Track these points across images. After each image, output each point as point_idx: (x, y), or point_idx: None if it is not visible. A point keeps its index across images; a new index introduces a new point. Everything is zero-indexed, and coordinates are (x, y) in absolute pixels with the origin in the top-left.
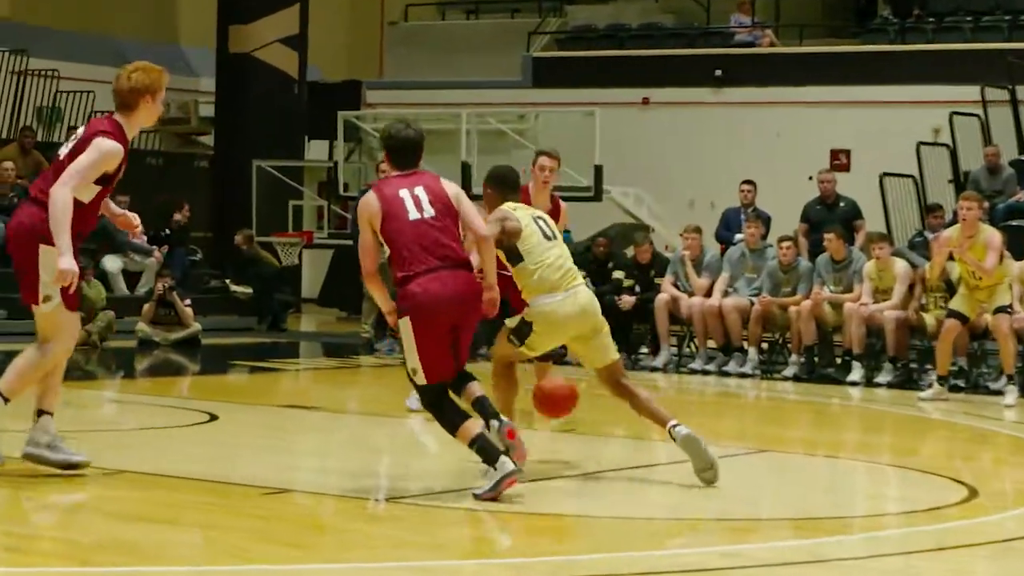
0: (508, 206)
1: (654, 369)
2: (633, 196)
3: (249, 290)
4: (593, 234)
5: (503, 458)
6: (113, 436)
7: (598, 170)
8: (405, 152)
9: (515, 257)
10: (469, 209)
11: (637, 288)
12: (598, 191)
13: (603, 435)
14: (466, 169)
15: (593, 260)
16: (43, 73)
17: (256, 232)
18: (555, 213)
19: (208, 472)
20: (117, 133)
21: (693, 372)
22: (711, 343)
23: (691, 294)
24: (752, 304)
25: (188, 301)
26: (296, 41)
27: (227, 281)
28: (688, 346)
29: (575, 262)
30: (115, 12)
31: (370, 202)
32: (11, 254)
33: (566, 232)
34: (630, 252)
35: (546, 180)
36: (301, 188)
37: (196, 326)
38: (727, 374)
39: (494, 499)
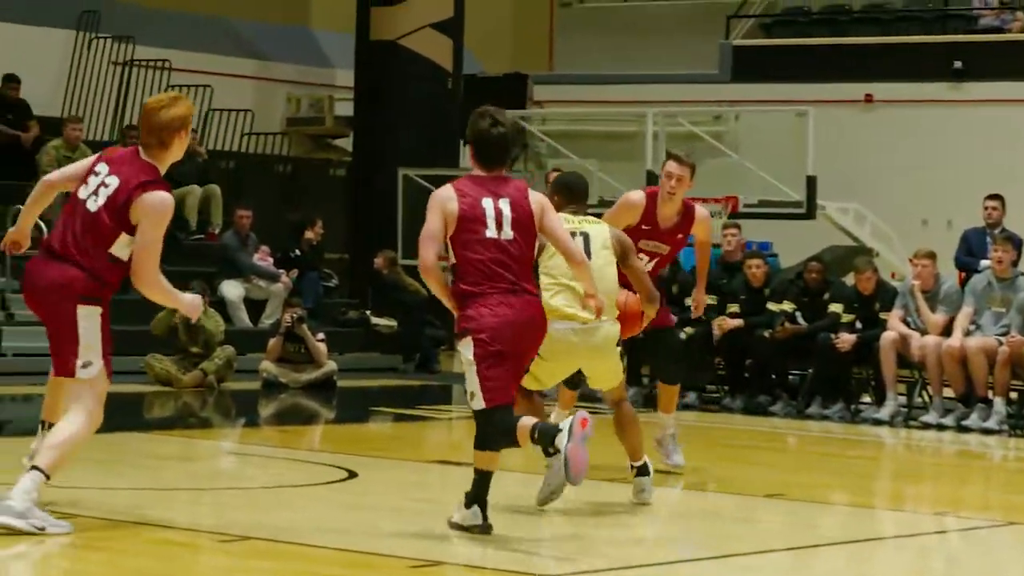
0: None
1: (878, 422)
2: (853, 213)
3: (393, 323)
4: (805, 259)
5: (562, 424)
6: (234, 496)
7: (811, 182)
8: (491, 150)
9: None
10: (556, 227)
11: (858, 324)
12: (811, 207)
13: (818, 501)
14: (652, 179)
15: (804, 290)
16: (151, 63)
17: (401, 254)
18: (685, 226)
19: (347, 540)
20: (160, 180)
21: (926, 427)
22: (948, 391)
23: (924, 332)
24: (1000, 345)
25: (321, 335)
26: (451, 26)
27: (367, 312)
28: (920, 395)
29: (782, 291)
30: None
31: (450, 199)
32: (40, 314)
33: (772, 257)
34: (849, 281)
35: (672, 191)
36: None
37: (331, 365)
38: (968, 429)
39: (581, 445)
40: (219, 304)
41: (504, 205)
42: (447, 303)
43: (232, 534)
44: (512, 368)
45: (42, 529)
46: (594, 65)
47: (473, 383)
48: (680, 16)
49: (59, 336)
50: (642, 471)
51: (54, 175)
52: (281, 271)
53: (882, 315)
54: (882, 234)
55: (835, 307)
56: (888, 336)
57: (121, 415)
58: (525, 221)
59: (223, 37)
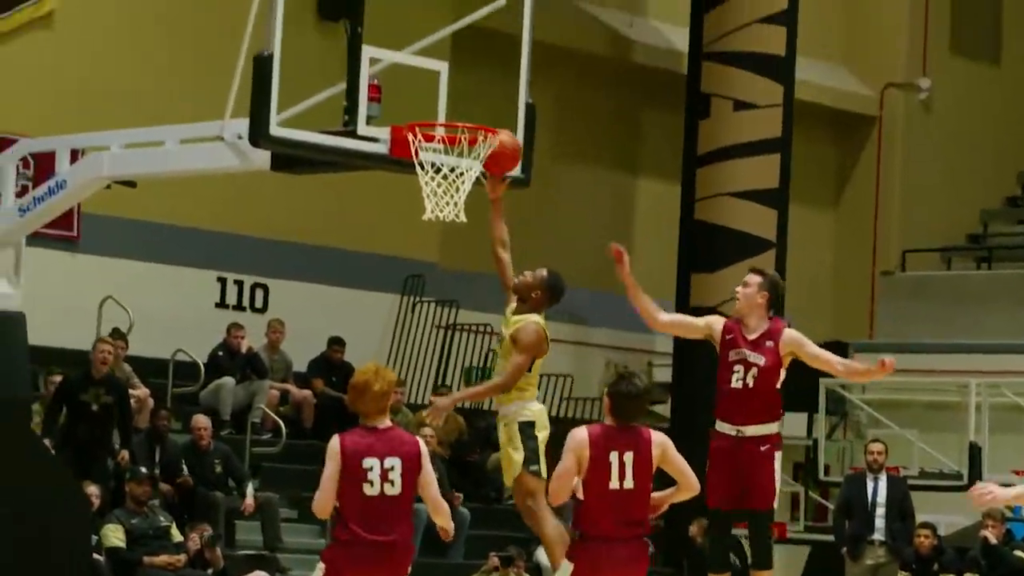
0: None
1: None
2: None
3: None
4: None
5: None
6: None
7: None
8: (625, 408)
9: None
10: (678, 460)
11: None
12: None
13: None
14: (975, 452)
15: None
16: (474, 328)
17: None
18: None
19: None
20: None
21: None
22: None
23: None
24: None
25: None
26: None
27: None
28: None
29: None
30: (560, 259)
31: (584, 448)
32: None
33: None
34: None
35: (734, 293)
36: None
37: None
38: None
39: None
40: (534, 570)
41: (628, 457)
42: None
43: None
44: None
45: None
46: (915, 333)
47: None
48: (1005, 284)
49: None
50: None
51: (327, 511)
52: None
53: None
54: None
55: None
56: None
57: None
58: (645, 469)
59: None
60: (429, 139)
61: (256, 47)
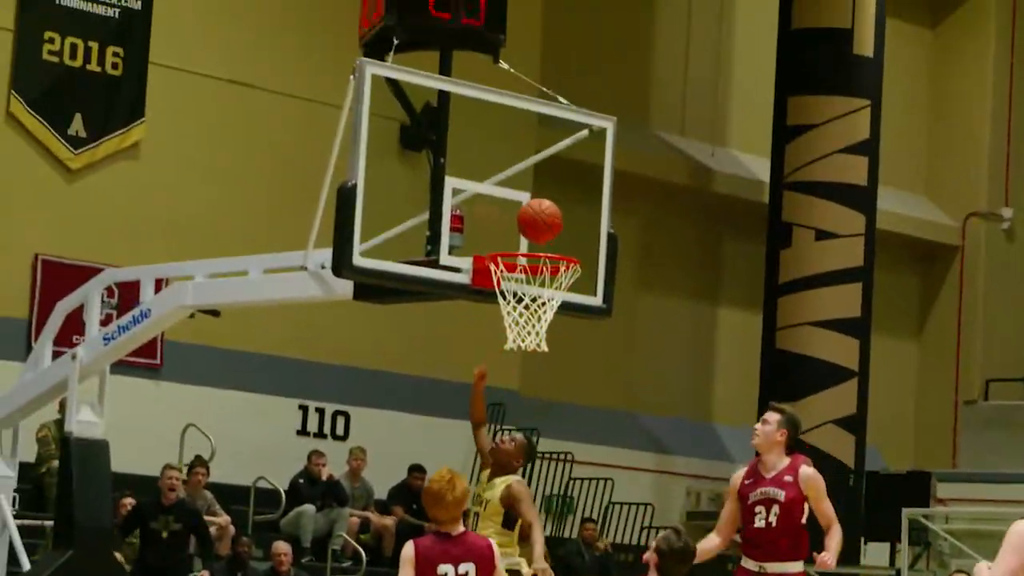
0: None
1: None
2: None
3: None
4: None
5: None
6: None
7: None
8: (671, 564)
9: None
10: None
11: None
12: None
13: None
14: None
15: None
16: (555, 456)
17: None
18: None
19: None
20: None
21: None
22: None
23: None
24: None
25: None
26: (853, 423)
27: None
28: None
29: None
30: (641, 387)
31: None
32: None
33: None
34: None
35: (755, 430)
36: None
37: None
38: None
39: None
40: None
41: None
42: None
43: None
44: None
45: None
46: (999, 463)
47: None
48: None
49: None
50: None
51: None
52: None
53: None
54: None
55: None
56: None
57: None
58: None
59: (626, 431)
60: (511, 269)
61: (339, 178)
